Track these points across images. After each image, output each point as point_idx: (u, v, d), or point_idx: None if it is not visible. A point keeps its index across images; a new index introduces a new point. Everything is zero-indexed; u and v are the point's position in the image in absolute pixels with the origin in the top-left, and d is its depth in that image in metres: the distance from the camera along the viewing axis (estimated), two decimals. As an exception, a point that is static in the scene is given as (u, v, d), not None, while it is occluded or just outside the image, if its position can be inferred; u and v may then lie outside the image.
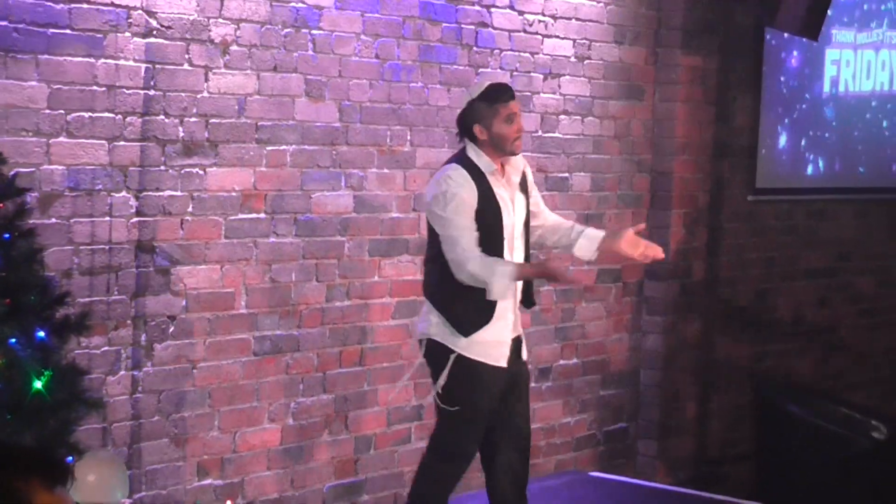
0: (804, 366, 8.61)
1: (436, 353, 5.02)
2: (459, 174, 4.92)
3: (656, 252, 5.22)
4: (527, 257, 5.13)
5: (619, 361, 7.41)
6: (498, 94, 5.02)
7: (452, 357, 4.95)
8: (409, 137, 6.19)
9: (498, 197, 4.96)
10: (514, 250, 5.03)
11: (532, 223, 5.17)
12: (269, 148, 5.63)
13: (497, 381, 4.99)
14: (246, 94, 5.52)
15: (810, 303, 8.67)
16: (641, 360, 7.51)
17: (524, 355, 5.13)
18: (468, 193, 4.89)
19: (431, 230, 5.00)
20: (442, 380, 4.97)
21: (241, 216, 5.54)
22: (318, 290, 5.86)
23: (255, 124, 5.57)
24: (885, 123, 9.08)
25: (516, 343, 5.07)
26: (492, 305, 4.93)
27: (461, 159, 5.00)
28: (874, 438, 7.68)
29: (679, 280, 7.50)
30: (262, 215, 5.62)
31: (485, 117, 4.97)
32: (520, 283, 5.04)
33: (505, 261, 4.92)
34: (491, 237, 4.93)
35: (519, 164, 5.13)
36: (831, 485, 7.56)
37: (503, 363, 4.99)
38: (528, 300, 5.16)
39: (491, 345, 4.97)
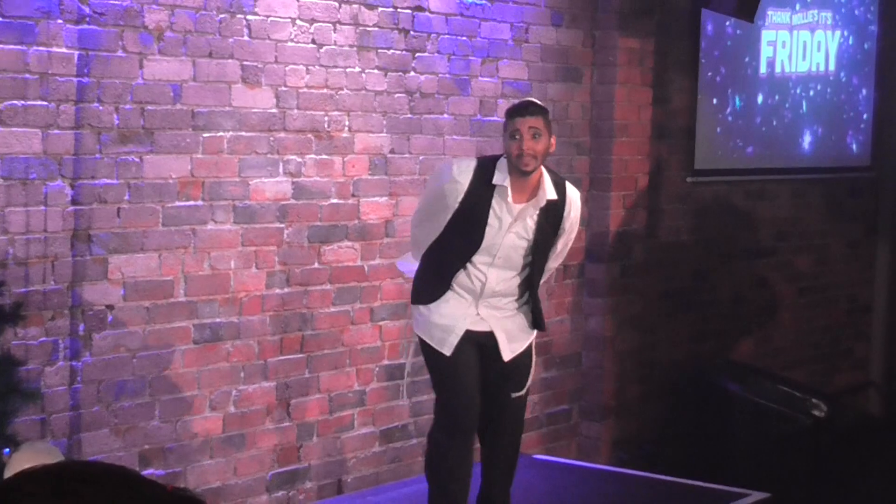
0: (744, 345, 8.68)
1: (413, 322, 5.41)
2: (465, 169, 5.13)
3: None
4: (530, 279, 5.25)
5: (561, 344, 7.43)
6: (512, 110, 5.21)
7: (416, 338, 5.36)
8: (346, 123, 6.17)
9: (492, 212, 5.08)
10: (494, 265, 5.13)
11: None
12: (206, 135, 5.59)
13: (452, 360, 5.18)
14: (181, 81, 5.48)
15: (749, 282, 8.74)
16: (583, 342, 7.54)
17: (505, 356, 5.25)
18: (452, 189, 5.08)
19: None
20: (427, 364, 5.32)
21: (178, 204, 5.50)
22: (257, 277, 5.83)
23: (191, 111, 5.53)
24: (820, 104, 9.16)
25: (488, 338, 5.22)
26: (444, 288, 5.18)
27: (489, 159, 5.22)
28: (814, 416, 7.76)
29: (619, 262, 7.53)
30: (200, 203, 5.59)
31: (504, 131, 5.19)
32: (505, 301, 5.23)
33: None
34: (465, 240, 5.12)
35: (546, 197, 5.12)
36: (772, 462, 7.63)
37: (445, 350, 5.19)
38: (538, 322, 5.34)
39: (438, 327, 5.21)
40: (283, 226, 5.92)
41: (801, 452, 7.69)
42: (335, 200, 6.14)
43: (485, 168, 5.11)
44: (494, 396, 5.31)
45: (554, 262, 5.42)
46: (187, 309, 5.56)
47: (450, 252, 5.18)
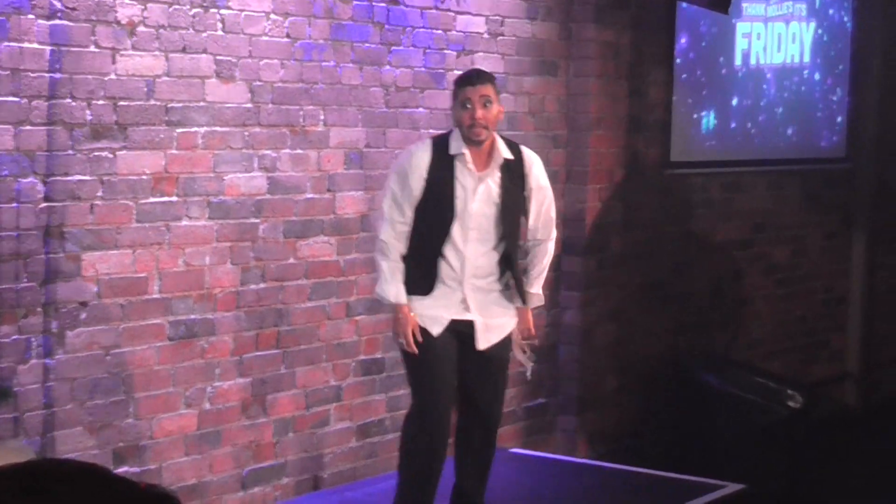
0: (721, 337, 8.69)
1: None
2: (423, 146, 5.26)
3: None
4: (507, 254, 5.28)
5: (538, 337, 7.40)
6: (461, 80, 5.30)
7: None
8: (322, 117, 6.14)
9: (457, 180, 5.16)
10: (470, 240, 5.20)
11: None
12: (180, 130, 5.55)
13: (436, 348, 5.22)
14: (154, 76, 5.44)
15: (727, 274, 8.74)
16: (560, 335, 7.53)
17: (480, 345, 5.27)
18: (416, 165, 5.15)
19: None
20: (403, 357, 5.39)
21: (152, 200, 5.47)
22: (232, 272, 5.80)
23: (165, 106, 5.49)
24: (795, 96, 9.17)
25: (469, 327, 5.25)
26: (430, 284, 5.21)
27: (441, 135, 5.33)
28: (790, 407, 7.77)
29: (596, 255, 7.52)
30: (174, 198, 5.55)
31: (453, 101, 5.27)
32: (488, 280, 5.25)
33: (395, 280, 5.20)
34: (438, 215, 5.17)
35: (502, 156, 5.21)
36: (749, 453, 7.64)
37: (435, 331, 5.22)
38: (523, 299, 5.40)
39: (422, 318, 5.24)
40: (258, 221, 5.90)
41: (777, 443, 7.71)
42: (310, 195, 6.12)
43: (440, 143, 5.24)
44: (471, 388, 5.34)
45: (543, 233, 5.40)
46: (162, 306, 5.53)
47: (428, 233, 5.21)
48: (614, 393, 7.70)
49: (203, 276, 5.68)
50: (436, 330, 5.22)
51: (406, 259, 5.25)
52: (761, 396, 7.85)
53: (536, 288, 5.45)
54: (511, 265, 5.32)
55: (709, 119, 8.45)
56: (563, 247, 7.48)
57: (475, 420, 5.40)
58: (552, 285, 7.47)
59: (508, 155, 5.24)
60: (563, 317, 7.52)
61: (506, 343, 5.40)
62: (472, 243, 5.20)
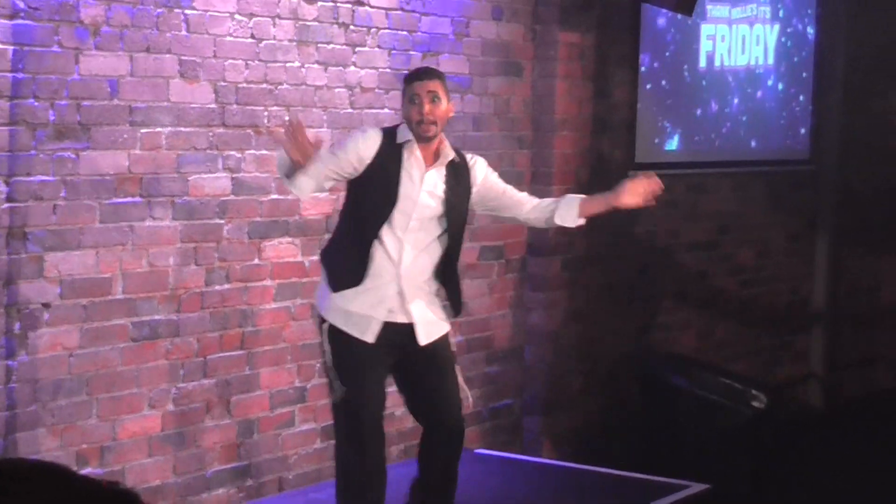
0: (687, 338, 8.72)
1: (316, 320, 5.26)
2: (374, 131, 5.18)
3: (653, 186, 5.59)
4: (446, 254, 5.17)
5: (503, 338, 7.43)
6: (409, 76, 5.23)
7: (325, 328, 5.10)
8: (286, 118, 6.13)
9: (403, 168, 5.08)
10: (410, 229, 5.06)
11: (507, 214, 5.42)
12: (144, 130, 5.54)
13: (366, 354, 5.03)
14: (118, 76, 5.42)
15: (692, 275, 8.78)
16: (525, 336, 7.54)
17: (421, 340, 5.10)
18: (363, 146, 5.06)
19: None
20: (327, 358, 5.10)
21: (115, 200, 5.45)
22: (197, 273, 5.79)
23: (129, 107, 5.47)
24: (759, 97, 9.21)
25: (405, 327, 5.08)
26: (363, 270, 5.03)
27: (390, 127, 5.27)
28: (754, 407, 7.81)
29: (561, 256, 7.54)
30: (138, 199, 5.53)
31: (402, 97, 5.19)
32: (424, 278, 5.12)
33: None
34: (380, 199, 5.04)
35: (450, 153, 5.15)
36: (714, 454, 7.68)
37: (369, 338, 5.03)
38: (455, 306, 5.25)
39: (355, 316, 5.04)
40: (222, 222, 5.88)
41: (742, 444, 7.74)
42: (275, 196, 6.11)
43: (388, 133, 5.15)
44: (428, 399, 5.19)
45: (521, 195, 5.42)
46: (125, 306, 5.51)
47: (366, 216, 5.07)
48: (580, 394, 7.71)
49: (167, 276, 5.66)
50: (369, 337, 5.02)
51: (341, 251, 5.10)
52: (726, 397, 7.88)
53: (571, 197, 5.53)
54: (449, 270, 5.18)
55: (673, 120, 8.48)
56: (528, 248, 7.50)
57: (440, 433, 5.18)
58: (517, 286, 7.49)
59: (454, 156, 5.17)
60: (529, 318, 7.53)
61: (447, 344, 5.24)
62: (412, 233, 5.06)
